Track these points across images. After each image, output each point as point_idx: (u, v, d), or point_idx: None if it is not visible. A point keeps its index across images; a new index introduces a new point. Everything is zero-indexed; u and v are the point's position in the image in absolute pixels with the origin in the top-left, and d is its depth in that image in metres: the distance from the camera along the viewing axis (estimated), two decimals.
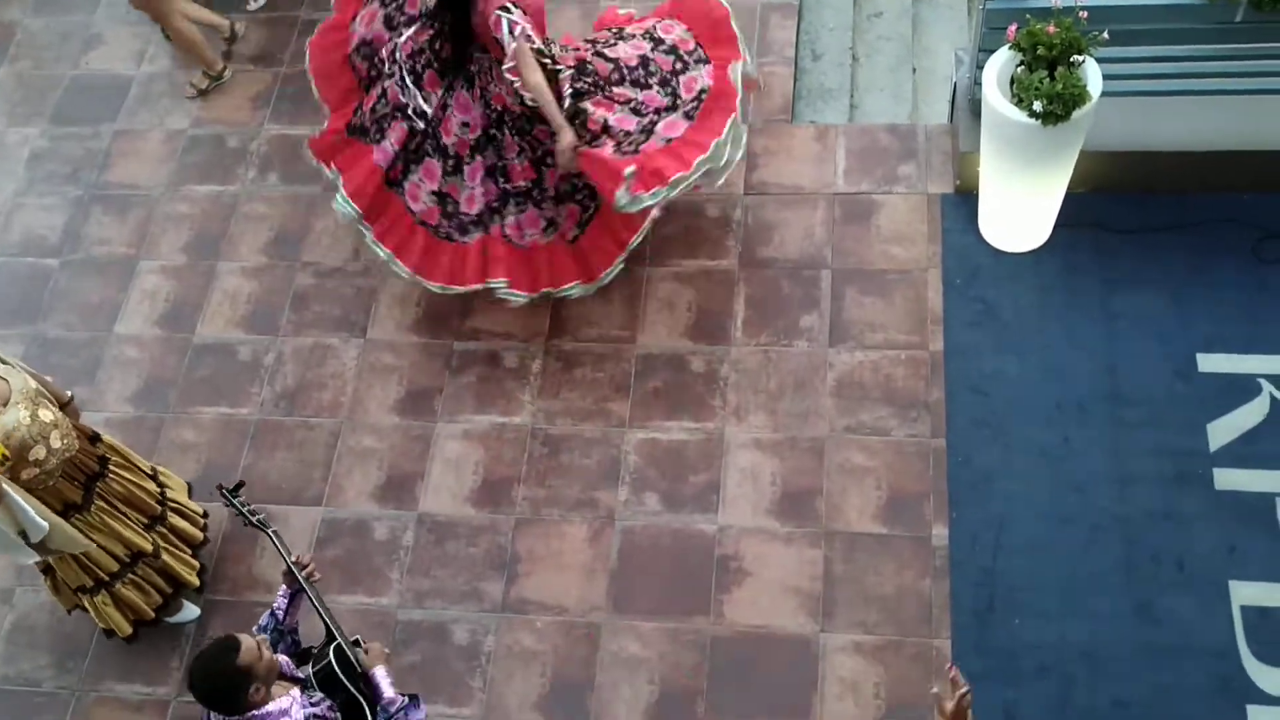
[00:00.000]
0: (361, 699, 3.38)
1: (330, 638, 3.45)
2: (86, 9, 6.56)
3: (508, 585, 4.56)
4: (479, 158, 4.70)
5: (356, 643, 3.49)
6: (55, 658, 4.64)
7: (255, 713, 3.05)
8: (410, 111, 4.65)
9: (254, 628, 3.49)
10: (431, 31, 4.54)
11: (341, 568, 4.68)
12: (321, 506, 4.83)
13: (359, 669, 3.41)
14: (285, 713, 3.07)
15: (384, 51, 4.70)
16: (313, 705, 3.14)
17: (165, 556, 4.36)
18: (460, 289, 4.89)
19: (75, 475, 4.02)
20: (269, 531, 3.63)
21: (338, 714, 3.20)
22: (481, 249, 4.84)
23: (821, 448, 4.68)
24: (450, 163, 4.72)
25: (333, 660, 3.39)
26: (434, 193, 4.78)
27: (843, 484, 4.59)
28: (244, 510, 3.70)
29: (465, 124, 4.64)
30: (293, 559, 3.49)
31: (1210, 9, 4.44)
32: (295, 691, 3.14)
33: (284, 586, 3.54)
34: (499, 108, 4.58)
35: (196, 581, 4.53)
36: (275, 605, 3.52)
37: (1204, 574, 4.24)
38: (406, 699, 3.35)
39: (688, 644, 4.35)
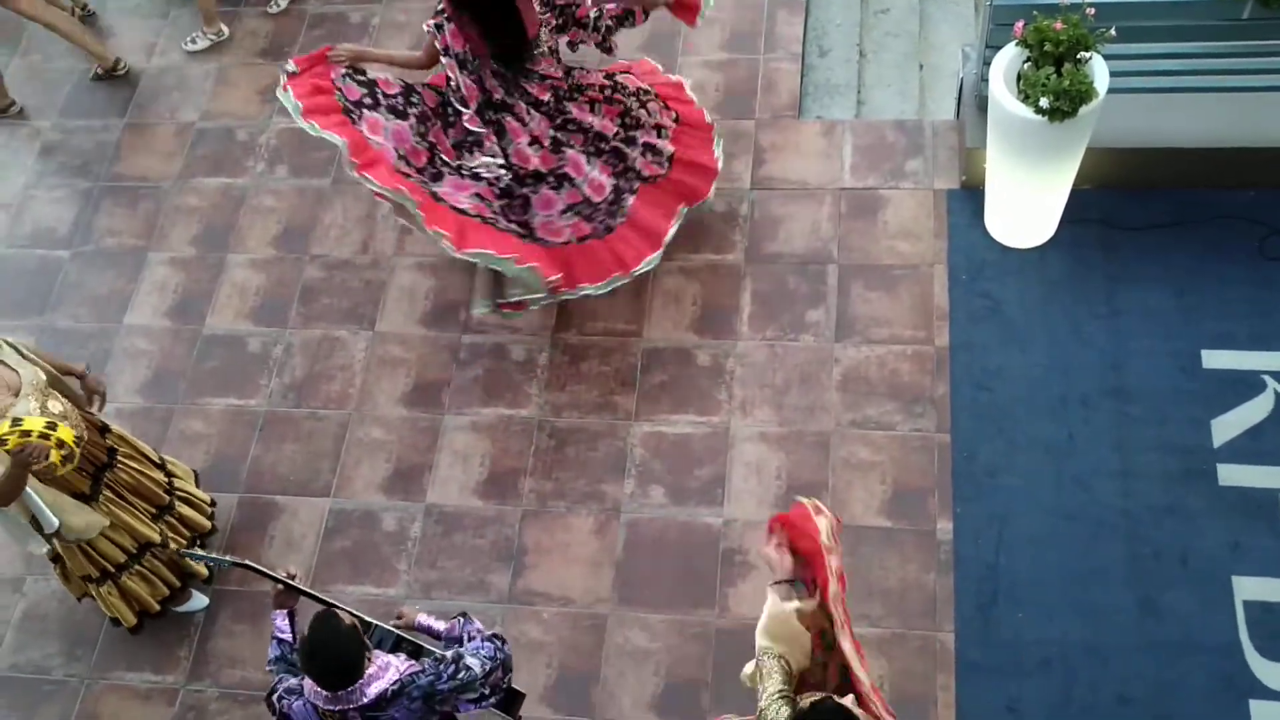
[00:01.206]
0: (422, 645, 3.46)
1: (366, 624, 3.45)
2: (96, 2, 6.59)
3: (514, 577, 4.59)
4: (567, 150, 4.65)
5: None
6: (65, 646, 4.68)
7: (367, 674, 3.07)
8: (488, 176, 4.61)
9: (267, 665, 3.46)
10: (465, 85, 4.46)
11: (349, 558, 4.71)
12: (329, 497, 4.86)
13: (402, 630, 3.50)
14: (385, 666, 3.12)
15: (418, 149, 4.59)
16: (391, 654, 3.22)
17: (175, 546, 4.39)
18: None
19: (84, 466, 4.05)
20: (249, 564, 3.58)
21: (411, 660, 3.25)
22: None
23: (827, 442, 4.70)
24: (553, 179, 4.68)
25: (379, 625, 3.44)
26: (569, 208, 4.76)
27: (848, 478, 4.61)
28: (218, 557, 3.69)
29: (534, 141, 4.59)
30: (283, 575, 3.44)
31: (1217, 6, 4.45)
32: (379, 653, 3.20)
33: (276, 613, 3.46)
34: (545, 98, 4.55)
35: (205, 572, 4.57)
36: (278, 633, 3.45)
37: (1207, 569, 4.25)
38: (460, 620, 3.43)
39: (693, 636, 4.38)
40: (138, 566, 4.33)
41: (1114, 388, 4.63)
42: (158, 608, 4.49)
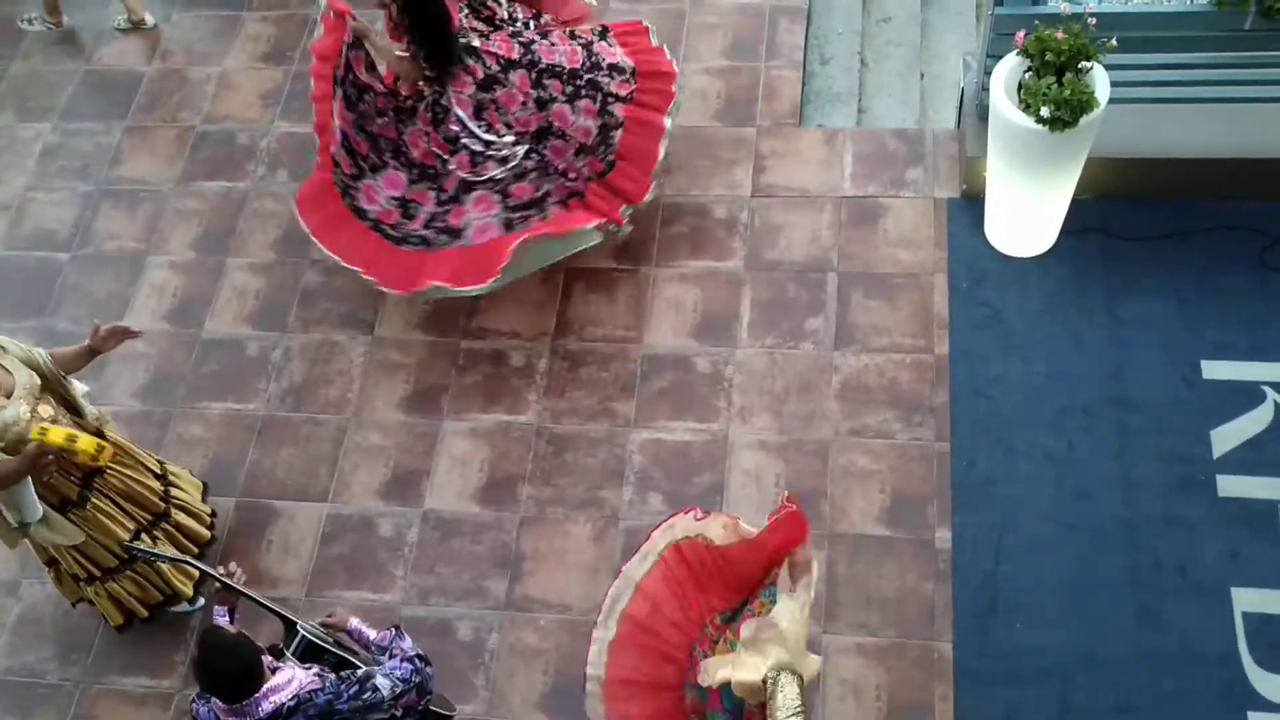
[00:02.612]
0: (345, 657, 3.43)
1: (289, 624, 3.48)
2: (99, 5, 6.59)
3: (512, 583, 4.58)
4: (551, 105, 4.82)
5: (311, 628, 3.54)
6: (59, 650, 4.67)
7: (265, 688, 3.05)
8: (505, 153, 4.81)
9: None
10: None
11: (346, 564, 4.70)
12: (327, 503, 4.85)
13: (331, 634, 3.48)
14: (289, 680, 3.09)
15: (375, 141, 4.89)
16: (307, 669, 3.18)
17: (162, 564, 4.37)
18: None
19: (72, 471, 4.03)
20: (189, 561, 3.72)
21: (331, 673, 3.22)
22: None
23: (826, 450, 4.69)
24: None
25: (306, 635, 3.43)
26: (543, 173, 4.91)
27: (846, 486, 4.60)
28: (159, 552, 3.69)
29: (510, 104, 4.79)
30: (221, 572, 3.48)
31: (1219, 16, 4.46)
32: (289, 665, 3.18)
33: (218, 608, 3.51)
34: (515, 55, 4.77)
35: (190, 593, 4.52)
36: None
37: (1206, 580, 4.25)
38: (393, 631, 3.39)
39: None
40: (129, 572, 4.31)
41: (1114, 397, 4.63)
42: (145, 613, 4.47)
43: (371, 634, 3.42)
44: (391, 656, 3.29)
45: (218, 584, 3.50)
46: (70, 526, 4.02)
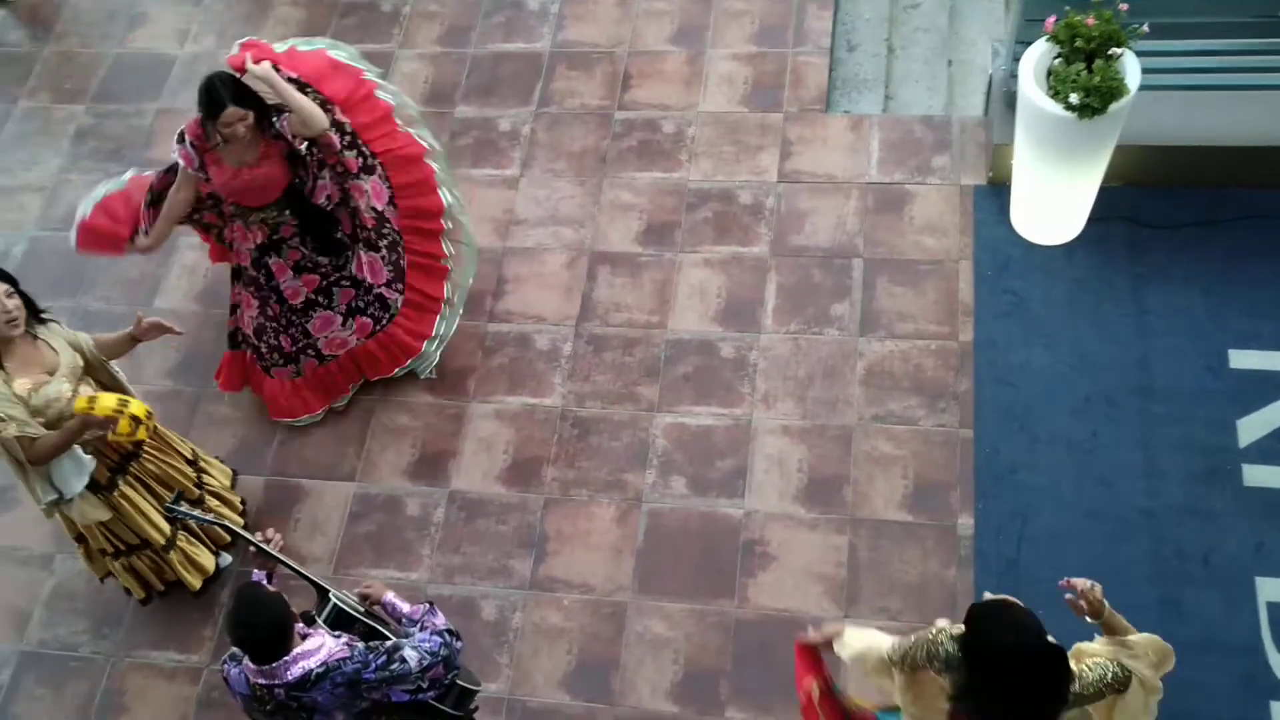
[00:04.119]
0: (376, 626, 3.48)
1: (322, 592, 3.52)
2: None
3: (536, 563, 4.62)
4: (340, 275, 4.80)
5: (344, 596, 3.59)
6: (92, 623, 4.75)
7: (295, 653, 3.09)
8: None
9: None
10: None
11: (373, 543, 4.75)
12: (355, 482, 4.91)
13: (365, 605, 3.52)
14: (318, 647, 3.12)
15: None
16: (337, 638, 3.22)
17: (174, 555, 4.43)
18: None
19: (109, 455, 4.11)
20: (229, 525, 3.76)
21: (360, 642, 3.26)
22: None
23: (849, 436, 4.70)
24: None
25: (336, 602, 3.47)
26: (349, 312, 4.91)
27: (869, 472, 4.62)
28: (200, 515, 3.73)
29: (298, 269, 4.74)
30: (259, 538, 3.53)
31: (1252, 2, 4.42)
32: (319, 631, 3.22)
33: (256, 572, 3.55)
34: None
35: (197, 586, 4.56)
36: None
37: (1230, 570, 4.24)
38: (425, 605, 3.43)
39: (712, 626, 4.40)
40: (149, 551, 4.39)
41: (1139, 386, 4.62)
42: (162, 587, 4.56)
43: (405, 607, 3.46)
44: (422, 629, 3.32)
45: (253, 549, 3.53)
46: (98, 506, 4.09)
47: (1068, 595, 3.08)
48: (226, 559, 4.72)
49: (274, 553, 3.52)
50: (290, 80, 4.38)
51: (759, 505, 4.62)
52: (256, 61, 4.33)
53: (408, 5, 6.30)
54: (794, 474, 4.66)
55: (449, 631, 3.30)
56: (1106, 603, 3.05)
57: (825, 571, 4.44)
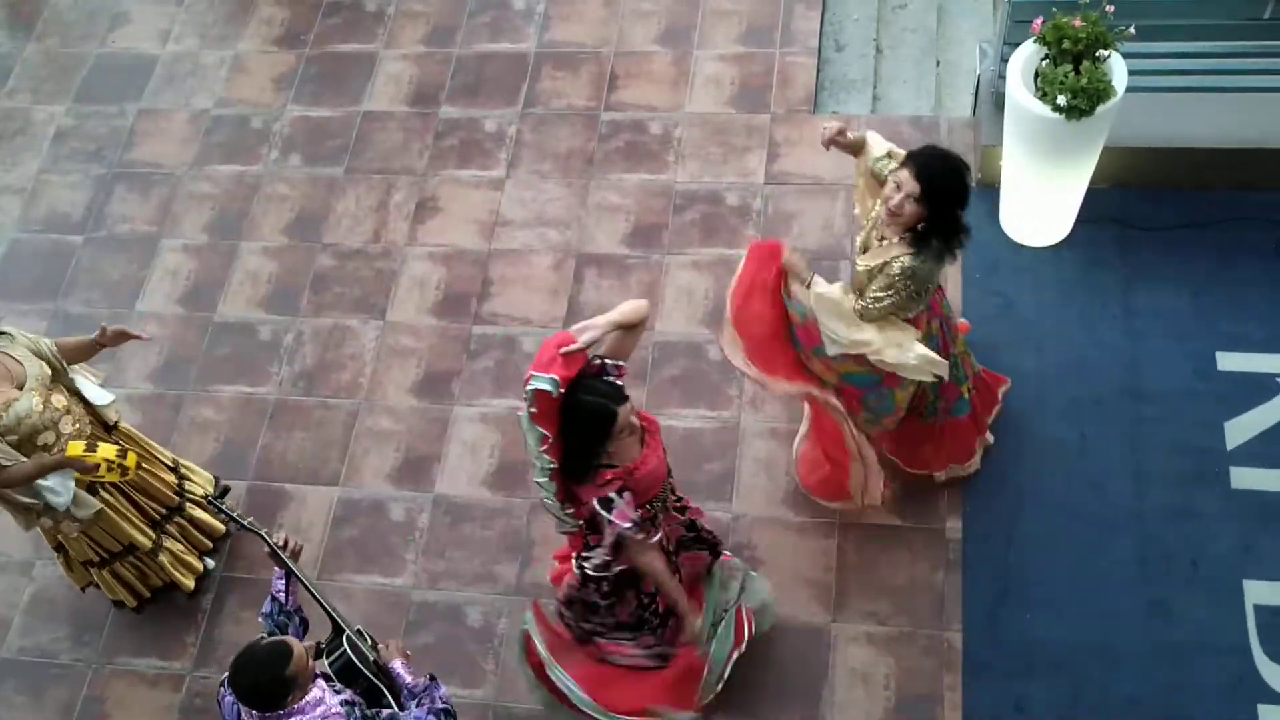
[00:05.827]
0: (380, 686, 3.42)
1: (338, 629, 3.48)
2: None
3: (522, 568, 4.59)
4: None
5: (359, 633, 3.54)
6: (72, 630, 4.69)
7: (294, 706, 3.04)
8: None
9: (259, 615, 3.48)
10: None
11: (357, 548, 4.71)
12: (338, 486, 4.86)
13: (373, 661, 3.46)
14: (317, 702, 3.07)
15: None
16: (338, 694, 3.16)
17: (164, 557, 4.39)
18: None
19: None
20: (260, 532, 3.57)
21: (362, 700, 3.21)
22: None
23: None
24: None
25: (348, 651, 3.42)
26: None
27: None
28: (238, 518, 3.68)
29: None
30: (276, 541, 3.47)
31: (1239, 4, 4.43)
32: (321, 683, 3.16)
33: (276, 569, 3.52)
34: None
35: (191, 586, 4.55)
36: (274, 590, 3.50)
37: (1218, 572, 4.23)
38: (429, 679, 3.38)
39: None
40: (132, 558, 4.34)
41: (1127, 388, 4.61)
42: (148, 594, 4.51)
43: (408, 678, 3.40)
44: (419, 705, 3.27)
45: (268, 549, 3.48)
46: (88, 500, 4.04)
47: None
48: (210, 563, 4.68)
49: (290, 564, 3.45)
50: None
51: (747, 509, 4.59)
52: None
53: (392, 5, 6.25)
54: (782, 477, 4.63)
55: (446, 711, 3.25)
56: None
57: (813, 575, 4.41)
